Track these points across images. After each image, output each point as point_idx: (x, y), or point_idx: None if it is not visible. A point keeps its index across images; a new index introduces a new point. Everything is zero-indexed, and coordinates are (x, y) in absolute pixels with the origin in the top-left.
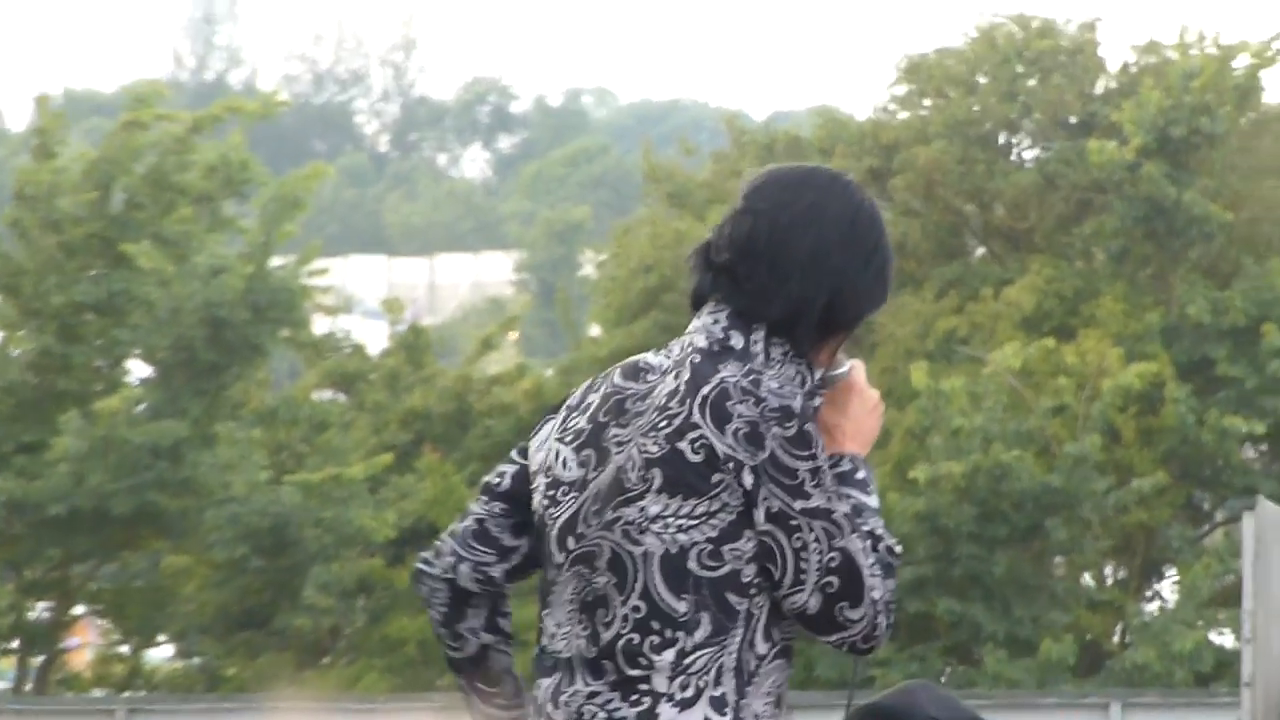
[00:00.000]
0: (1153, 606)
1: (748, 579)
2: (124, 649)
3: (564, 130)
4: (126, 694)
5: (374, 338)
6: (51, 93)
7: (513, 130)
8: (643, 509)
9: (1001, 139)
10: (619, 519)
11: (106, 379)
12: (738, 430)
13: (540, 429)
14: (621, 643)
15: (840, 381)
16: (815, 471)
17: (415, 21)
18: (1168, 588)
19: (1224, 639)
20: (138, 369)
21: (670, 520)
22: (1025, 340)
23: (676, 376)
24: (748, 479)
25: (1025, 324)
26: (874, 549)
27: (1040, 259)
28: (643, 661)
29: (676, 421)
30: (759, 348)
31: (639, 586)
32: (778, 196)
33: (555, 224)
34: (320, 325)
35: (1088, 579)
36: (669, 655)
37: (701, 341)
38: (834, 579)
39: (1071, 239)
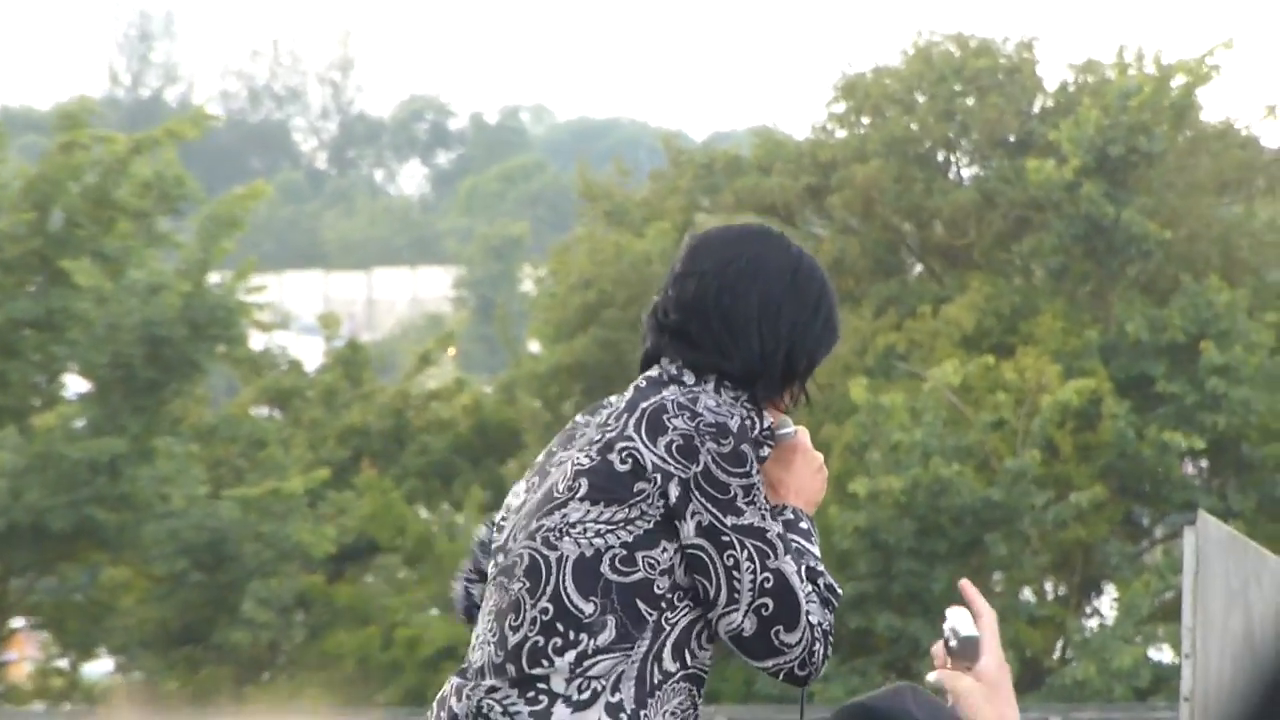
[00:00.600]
0: (1092, 622)
1: (661, 590)
2: (63, 662)
3: (501, 147)
4: (67, 707)
5: (311, 354)
6: None
7: (450, 147)
8: (564, 515)
9: (939, 157)
10: (541, 527)
11: (44, 395)
12: (671, 443)
13: None
14: (527, 645)
15: (786, 441)
16: (749, 489)
17: (353, 39)
18: (1107, 603)
19: (1162, 655)
20: (76, 385)
21: (589, 525)
22: (964, 357)
23: (619, 400)
24: (674, 490)
25: (964, 341)
26: (812, 580)
27: (979, 276)
28: (544, 662)
29: (610, 435)
30: (709, 387)
31: (550, 589)
32: (719, 254)
33: (493, 240)
34: (257, 341)
35: (1027, 594)
36: (569, 656)
37: (653, 373)
38: (769, 600)
39: (1010, 256)
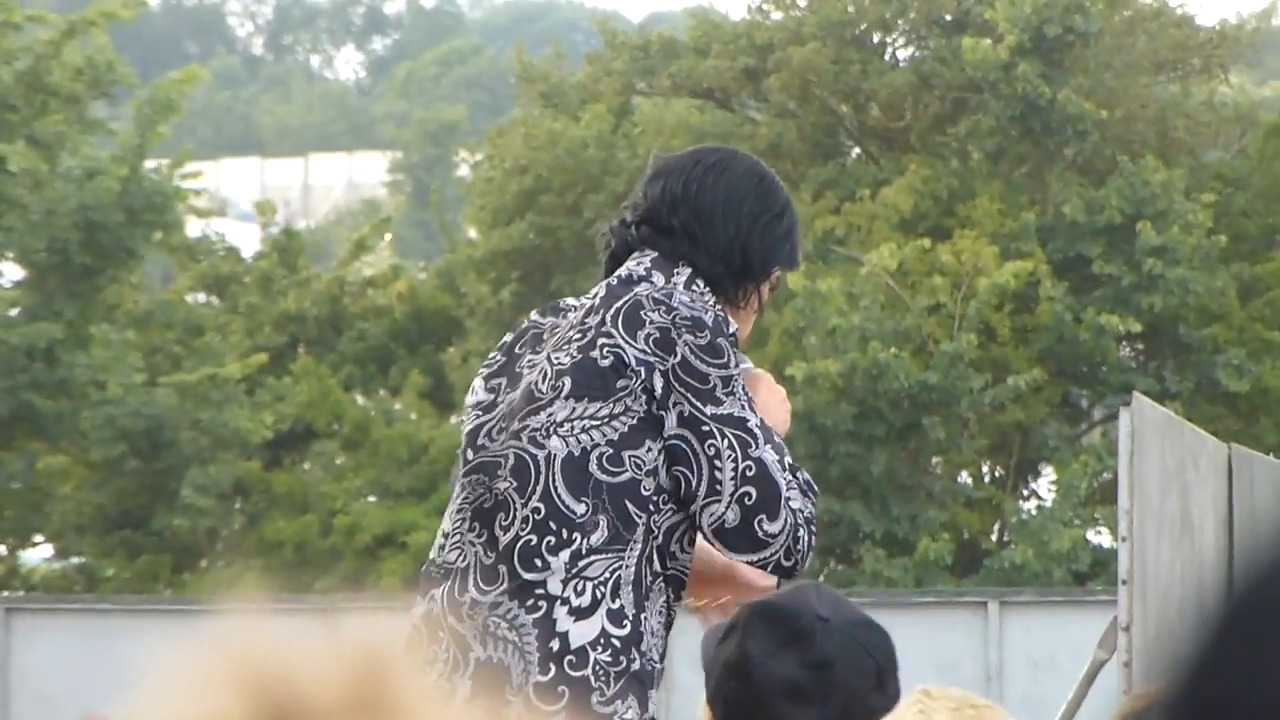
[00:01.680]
0: (1030, 505)
1: (648, 492)
2: (0, 549)
3: (438, 31)
4: (4, 594)
5: (247, 241)
6: None
7: (386, 32)
8: (550, 414)
9: (876, 39)
10: (525, 427)
11: None
12: (649, 335)
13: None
14: (519, 544)
15: (748, 374)
16: (727, 380)
17: None
18: (1045, 486)
19: (1101, 538)
20: (11, 272)
21: (575, 422)
22: (902, 241)
23: (591, 298)
24: (657, 382)
25: (902, 225)
26: (793, 473)
27: (916, 159)
28: (538, 563)
29: (589, 334)
30: (680, 280)
31: (540, 489)
32: (687, 159)
33: (429, 124)
34: (194, 228)
35: (965, 478)
36: (564, 555)
37: (623, 273)
38: (751, 489)
39: (947, 139)
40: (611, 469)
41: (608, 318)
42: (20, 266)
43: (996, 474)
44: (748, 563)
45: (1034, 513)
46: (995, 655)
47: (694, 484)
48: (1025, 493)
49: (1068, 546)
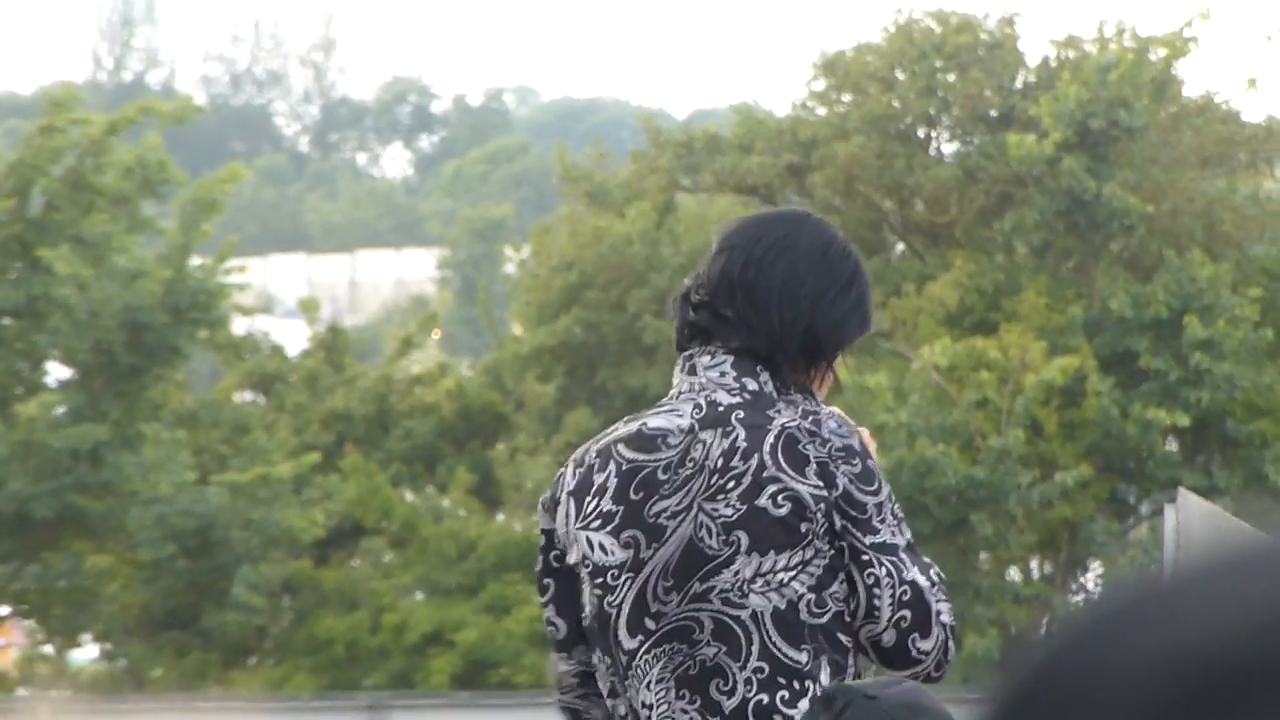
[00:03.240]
0: (1078, 600)
1: (849, 619)
2: (48, 649)
3: (485, 129)
4: (52, 694)
5: (294, 338)
6: None
7: (433, 129)
8: (736, 572)
9: (921, 134)
10: (712, 588)
11: (26, 383)
12: (814, 470)
13: (545, 525)
14: (753, 705)
15: None
16: (880, 506)
17: (334, 21)
18: (1092, 582)
19: None
20: (57, 372)
21: (769, 577)
22: (949, 335)
23: (721, 435)
24: (836, 518)
25: (948, 319)
26: (938, 577)
27: (961, 254)
28: (778, 718)
29: (746, 480)
30: (770, 389)
31: (756, 648)
32: (751, 232)
33: (476, 222)
34: (239, 326)
35: (1013, 573)
36: (803, 705)
37: (724, 398)
38: (907, 612)
39: (992, 233)
40: (818, 611)
41: (766, 459)
42: (66, 367)
43: (1045, 570)
44: (899, 675)
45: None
46: None
47: (853, 607)
48: (1073, 588)
49: None
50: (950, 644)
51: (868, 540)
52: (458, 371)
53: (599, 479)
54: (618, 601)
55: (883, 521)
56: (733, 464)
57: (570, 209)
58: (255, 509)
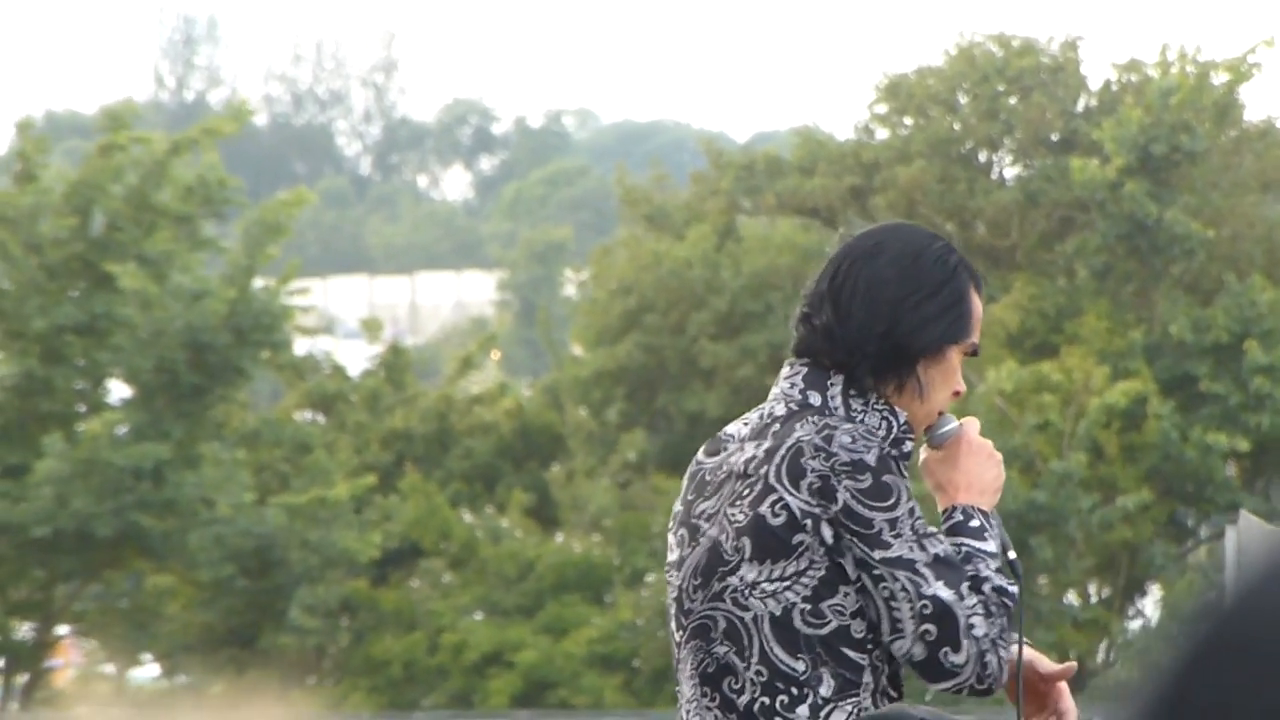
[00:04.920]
0: (1137, 624)
1: (860, 634)
2: (108, 669)
3: (545, 151)
4: (114, 712)
5: (354, 358)
6: (33, 114)
7: (494, 151)
8: (742, 577)
9: (982, 157)
10: (726, 588)
11: (89, 401)
12: (810, 484)
13: None
14: (758, 705)
15: (948, 439)
16: (894, 522)
17: (396, 42)
18: (1151, 605)
19: None
20: (120, 391)
21: (766, 584)
22: (1010, 358)
23: (756, 444)
24: (827, 532)
25: (1009, 342)
26: (977, 590)
27: (1023, 277)
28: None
29: (757, 488)
30: (837, 402)
31: (757, 652)
32: (848, 246)
33: (536, 244)
34: (300, 346)
35: (1072, 597)
36: (804, 710)
37: (780, 409)
38: (930, 626)
39: (1054, 256)
40: (815, 621)
41: (771, 470)
42: (129, 386)
43: (1103, 594)
44: (941, 689)
45: (1140, 632)
46: None
47: (878, 622)
48: (1132, 612)
49: None
50: (990, 658)
51: (877, 555)
52: (517, 391)
53: (685, 482)
54: (670, 598)
55: (897, 536)
56: (750, 472)
57: (629, 232)
58: (313, 530)
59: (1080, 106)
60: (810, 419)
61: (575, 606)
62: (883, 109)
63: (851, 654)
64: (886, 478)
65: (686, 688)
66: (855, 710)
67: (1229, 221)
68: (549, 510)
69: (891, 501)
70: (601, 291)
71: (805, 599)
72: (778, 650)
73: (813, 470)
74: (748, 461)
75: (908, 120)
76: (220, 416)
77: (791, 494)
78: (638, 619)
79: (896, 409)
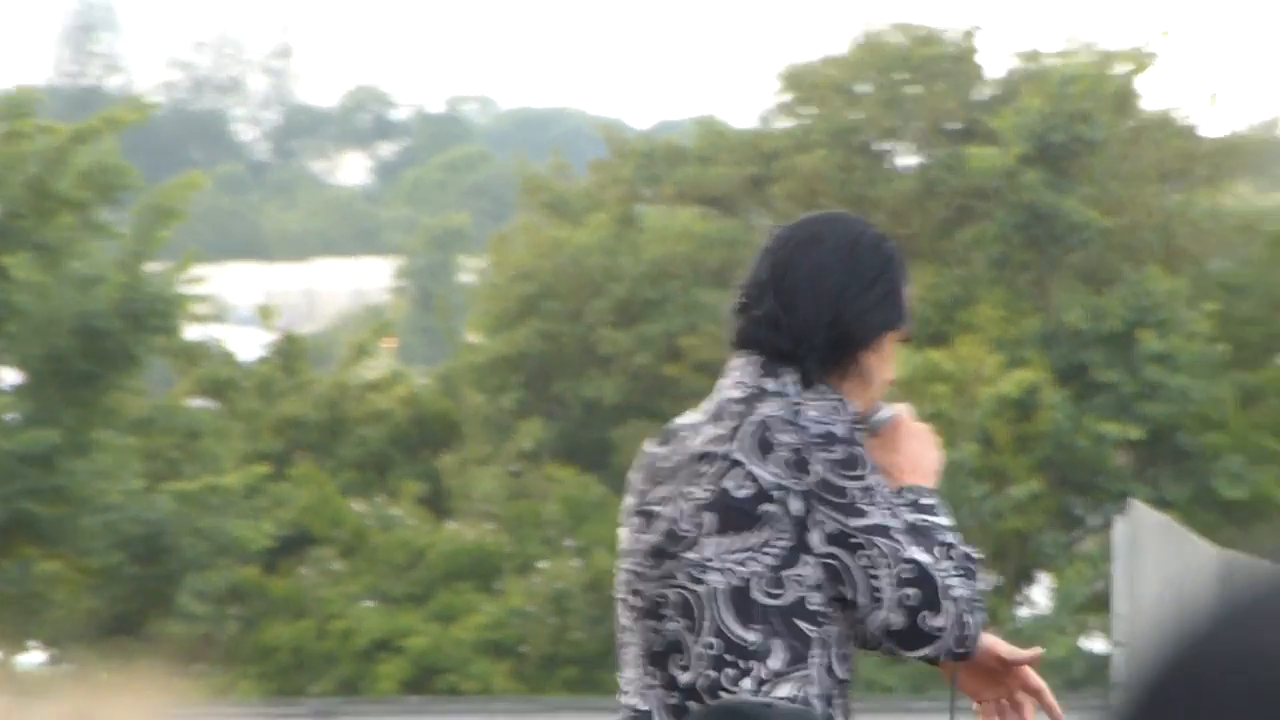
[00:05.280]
0: (1025, 612)
1: (815, 606)
2: None
3: (444, 138)
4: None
5: (250, 345)
6: None
7: (393, 138)
8: (700, 553)
9: (882, 146)
10: (681, 564)
11: None
12: (782, 458)
13: None
14: (700, 681)
15: (886, 424)
16: (867, 490)
17: (294, 28)
18: (1041, 593)
19: (1095, 645)
20: (11, 378)
21: (727, 557)
22: (908, 349)
23: (715, 425)
24: (795, 505)
25: None
26: (948, 555)
27: (920, 265)
28: (723, 694)
29: (719, 464)
30: (793, 390)
31: (709, 624)
32: (784, 235)
33: (435, 231)
34: (193, 333)
35: None
36: (746, 684)
37: (736, 394)
38: (910, 590)
39: (952, 245)
40: (774, 591)
41: (736, 446)
42: (20, 372)
43: (994, 581)
44: (919, 658)
45: (1029, 620)
46: None
47: (854, 596)
48: (1021, 600)
49: (1062, 653)
50: (969, 618)
51: (854, 523)
52: (411, 379)
53: (632, 476)
54: (619, 585)
55: (872, 504)
56: (712, 451)
57: (528, 219)
58: (204, 517)
59: (980, 96)
60: (771, 399)
61: (465, 594)
62: (785, 98)
63: (804, 625)
64: (855, 449)
65: (630, 671)
66: (802, 689)
67: (1126, 211)
68: (441, 498)
69: (862, 471)
70: (500, 278)
71: (768, 567)
72: (730, 622)
73: (783, 444)
74: (707, 441)
75: (809, 110)
76: (112, 403)
77: (759, 466)
78: (528, 606)
79: (845, 399)
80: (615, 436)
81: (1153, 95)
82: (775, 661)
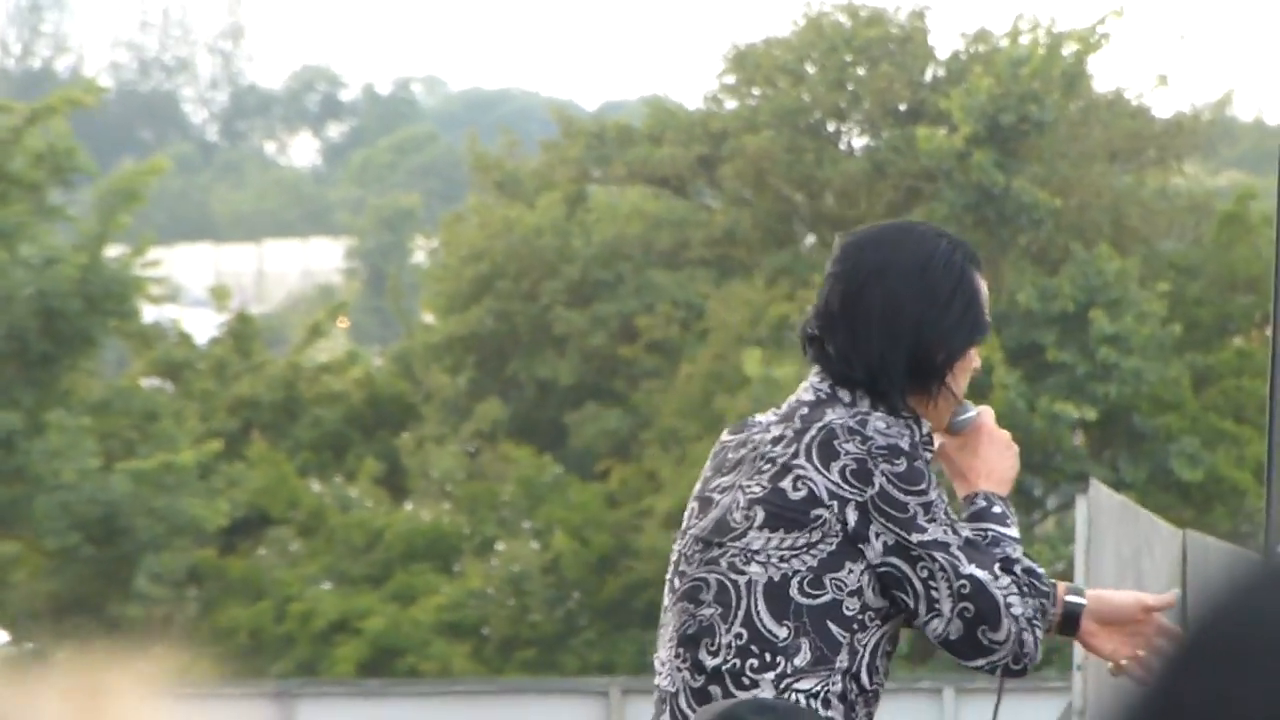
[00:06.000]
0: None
1: (851, 612)
2: None
3: (394, 118)
4: None
5: (202, 326)
6: None
7: (342, 118)
8: (746, 543)
9: (831, 128)
10: (726, 552)
11: None
12: (845, 467)
13: None
14: (727, 668)
15: (968, 427)
16: (927, 506)
17: (243, 9)
18: None
19: None
20: None
21: (773, 552)
22: None
23: (784, 426)
24: (852, 515)
25: None
26: (1009, 571)
27: None
28: (745, 682)
29: (780, 463)
30: (865, 405)
31: (742, 614)
32: (853, 258)
33: (385, 211)
34: (148, 314)
35: None
36: (770, 676)
37: (808, 397)
38: (969, 604)
39: None
40: (812, 592)
41: (800, 448)
42: None
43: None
44: (976, 667)
45: None
46: None
47: (912, 604)
48: None
49: None
50: (1027, 636)
51: (914, 538)
52: (367, 360)
53: (707, 463)
54: (670, 566)
55: (931, 520)
56: (776, 450)
57: (480, 199)
58: (160, 497)
59: (929, 76)
60: (841, 406)
61: (424, 575)
62: (731, 79)
63: (835, 630)
64: (918, 463)
65: (664, 651)
66: (824, 686)
67: (1076, 191)
68: (399, 479)
69: (924, 486)
70: (452, 258)
71: (810, 568)
72: (763, 614)
73: (848, 453)
74: (774, 440)
75: (756, 90)
76: (69, 385)
77: (821, 473)
78: (487, 587)
79: (921, 419)
80: (571, 419)
81: (1104, 76)
82: (800, 659)
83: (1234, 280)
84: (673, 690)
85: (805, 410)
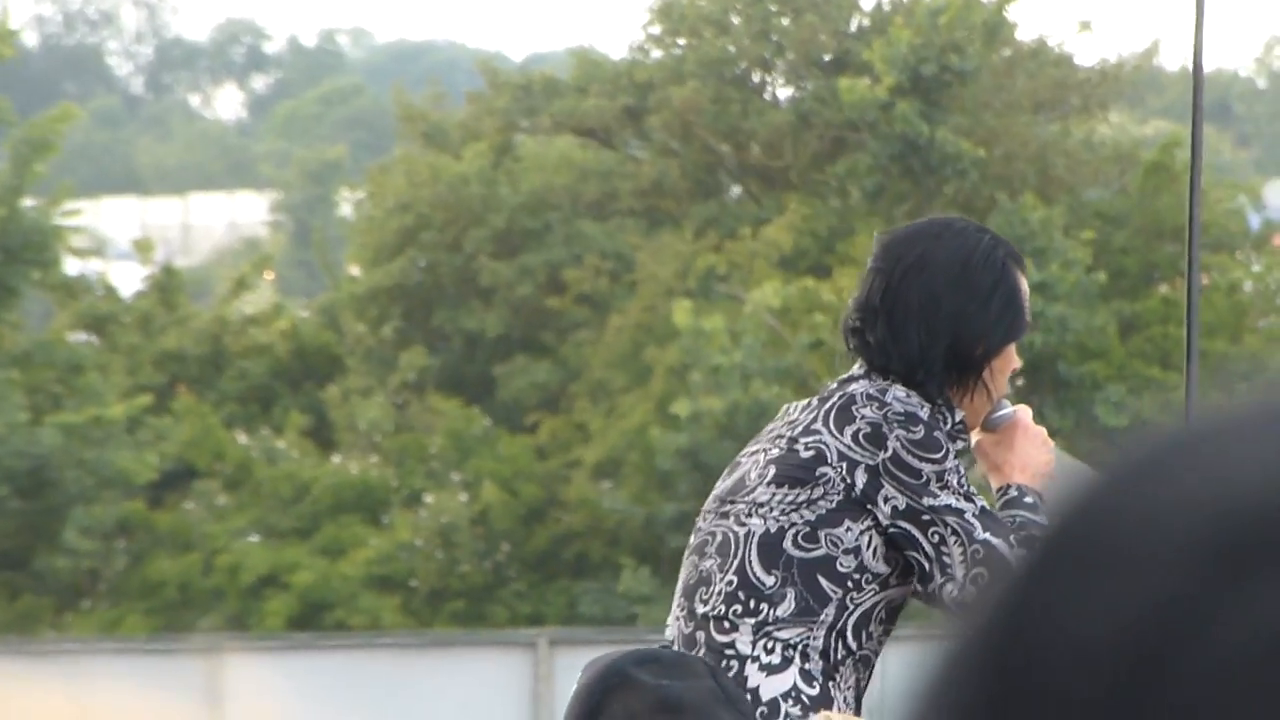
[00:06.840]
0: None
1: (845, 569)
2: None
3: (319, 70)
4: None
5: (127, 280)
6: None
7: (267, 71)
8: (753, 497)
9: (756, 78)
10: (735, 507)
11: None
12: (858, 431)
13: None
14: (712, 612)
15: (1005, 423)
16: (941, 474)
17: None
18: None
19: None
20: None
21: (775, 505)
22: (784, 278)
23: (815, 399)
24: (860, 478)
25: (782, 262)
26: (1008, 539)
27: (796, 197)
28: (727, 625)
29: (801, 427)
30: (900, 391)
31: (736, 562)
32: (894, 252)
33: (310, 164)
34: (72, 267)
35: None
36: (750, 622)
37: (843, 375)
38: (983, 569)
39: (826, 178)
40: (806, 545)
41: (819, 415)
42: None
43: None
44: None
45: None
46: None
47: (926, 566)
48: None
49: None
50: None
51: (925, 502)
52: (293, 312)
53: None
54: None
55: (944, 488)
56: (800, 416)
57: (406, 150)
58: (88, 450)
59: (853, 27)
60: (870, 378)
61: (352, 527)
62: (656, 30)
63: (825, 584)
64: (936, 433)
65: (673, 600)
66: (804, 638)
67: (1001, 141)
68: (326, 431)
69: (940, 455)
70: (378, 210)
71: (807, 522)
72: (754, 562)
73: (863, 417)
74: (801, 408)
75: (681, 41)
76: None
77: (834, 435)
78: (415, 540)
79: (954, 407)
80: (499, 371)
81: (1026, 24)
82: (784, 609)
83: (1160, 229)
84: (671, 639)
85: (834, 384)
